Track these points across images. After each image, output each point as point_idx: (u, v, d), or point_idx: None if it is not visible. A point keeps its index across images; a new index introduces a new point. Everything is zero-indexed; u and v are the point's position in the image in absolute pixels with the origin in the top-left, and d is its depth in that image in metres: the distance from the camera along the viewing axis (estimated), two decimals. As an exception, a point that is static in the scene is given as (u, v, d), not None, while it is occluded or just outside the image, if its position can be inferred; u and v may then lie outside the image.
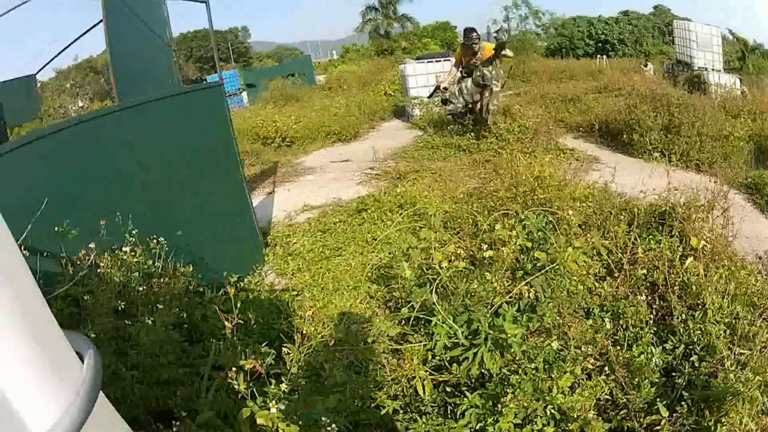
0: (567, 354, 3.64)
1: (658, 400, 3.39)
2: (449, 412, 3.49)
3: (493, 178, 6.41)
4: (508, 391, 3.25)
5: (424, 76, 12.62)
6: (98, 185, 4.01)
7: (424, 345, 3.74)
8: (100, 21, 5.36)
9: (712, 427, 3.12)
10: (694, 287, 4.28)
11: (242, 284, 4.95)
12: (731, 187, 6.94)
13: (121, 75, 5.32)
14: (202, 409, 2.68)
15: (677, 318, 4.09)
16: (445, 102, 10.13)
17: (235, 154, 5.38)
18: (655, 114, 9.18)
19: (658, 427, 3.24)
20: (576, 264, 4.13)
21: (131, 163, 4.31)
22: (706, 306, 4.04)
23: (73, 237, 3.30)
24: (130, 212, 3.78)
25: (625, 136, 9.47)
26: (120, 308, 3.21)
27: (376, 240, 5.66)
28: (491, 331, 3.50)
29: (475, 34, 9.70)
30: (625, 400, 3.49)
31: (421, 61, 13.44)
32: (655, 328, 4.15)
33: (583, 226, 5.11)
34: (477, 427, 3.28)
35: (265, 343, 3.64)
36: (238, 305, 3.30)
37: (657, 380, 3.59)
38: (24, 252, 2.76)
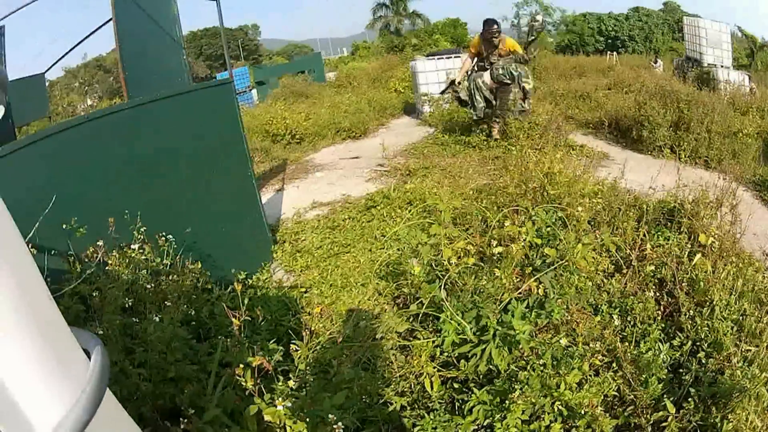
0: (575, 350, 3.65)
1: (665, 396, 3.39)
2: (457, 408, 3.50)
3: (503, 175, 6.39)
4: (516, 387, 3.26)
5: (435, 73, 12.56)
6: (107, 183, 4.04)
7: (432, 342, 3.75)
8: (110, 19, 5.39)
9: (719, 424, 3.11)
10: (702, 284, 4.27)
11: (250, 281, 4.96)
12: (740, 184, 6.92)
13: (130, 73, 5.34)
14: (210, 406, 2.70)
15: (685, 314, 4.09)
16: (461, 102, 9.61)
17: (245, 152, 5.39)
18: (665, 111, 9.13)
19: (665, 424, 3.23)
20: (585, 260, 4.13)
21: (141, 161, 4.34)
22: (714, 303, 4.04)
23: (82, 235, 3.34)
24: (138, 210, 3.81)
25: (634, 132, 9.44)
26: (128, 305, 3.24)
27: (385, 237, 5.67)
28: (500, 328, 3.51)
29: (496, 26, 9.02)
30: (632, 396, 3.49)
31: (431, 57, 13.39)
32: (663, 325, 4.16)
33: (593, 223, 5.10)
34: (484, 424, 3.29)
35: (273, 340, 3.65)
36: (246, 302, 3.32)
37: (664, 377, 3.59)
38: (32, 250, 2.79)
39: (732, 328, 3.84)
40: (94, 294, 3.16)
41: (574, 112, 11.55)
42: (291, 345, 3.25)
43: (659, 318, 4.21)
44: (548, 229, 4.53)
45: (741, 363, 3.43)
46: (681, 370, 3.70)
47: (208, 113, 5.00)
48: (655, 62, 19.87)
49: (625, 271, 4.59)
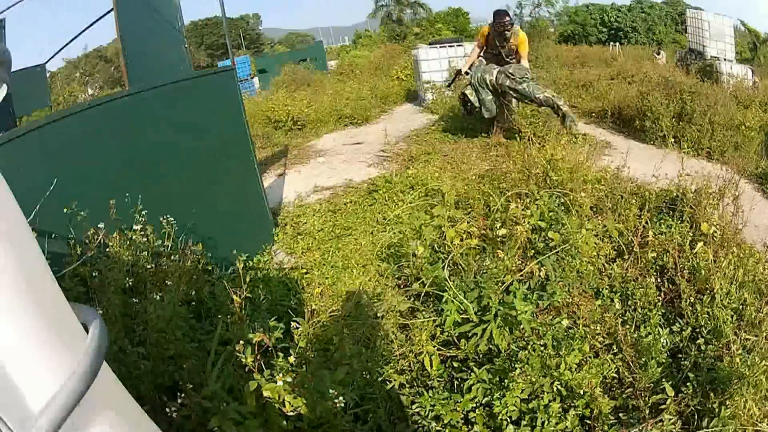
0: (576, 332, 3.66)
1: (664, 380, 3.41)
2: (456, 387, 3.52)
3: (506, 161, 6.39)
4: (516, 366, 3.27)
5: (437, 61, 12.52)
6: (108, 169, 4.07)
7: (433, 321, 3.77)
8: (111, 9, 5.40)
9: (717, 410, 3.12)
10: (703, 272, 4.27)
11: (251, 263, 4.97)
12: (742, 176, 6.91)
13: (131, 62, 5.38)
14: (209, 382, 2.70)
15: (685, 301, 4.10)
16: (467, 109, 8.80)
17: (247, 137, 5.41)
18: (668, 101, 9.10)
19: (663, 406, 3.25)
20: (588, 245, 4.14)
21: (142, 147, 4.38)
22: (715, 291, 4.05)
23: (83, 219, 3.33)
24: (140, 194, 3.81)
25: (637, 122, 9.41)
26: (128, 286, 3.25)
27: (386, 220, 5.68)
28: (501, 308, 3.52)
29: (508, 18, 8.31)
30: (631, 379, 3.51)
31: (434, 46, 13.35)
32: (663, 311, 4.17)
33: (595, 209, 5.11)
34: (483, 402, 3.31)
35: (273, 319, 3.67)
36: (247, 281, 3.33)
37: (664, 361, 3.61)
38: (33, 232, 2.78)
39: (732, 316, 3.84)
40: (94, 275, 3.18)
41: (577, 101, 11.50)
42: (292, 323, 3.26)
43: (660, 304, 4.21)
44: (551, 214, 4.53)
45: (740, 351, 3.43)
46: (680, 356, 3.72)
47: (211, 100, 5.03)
48: (658, 53, 19.81)
49: (626, 257, 4.59)
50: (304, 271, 5.00)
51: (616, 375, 3.57)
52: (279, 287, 4.50)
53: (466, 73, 8.85)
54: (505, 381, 3.24)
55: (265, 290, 4.18)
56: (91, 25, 7.00)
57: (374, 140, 9.52)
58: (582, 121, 10.27)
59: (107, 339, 0.77)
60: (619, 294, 4.23)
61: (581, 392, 3.23)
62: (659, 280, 4.45)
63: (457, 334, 3.65)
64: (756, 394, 3.19)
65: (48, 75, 9.03)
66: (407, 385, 3.52)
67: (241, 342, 2.52)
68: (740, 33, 24.80)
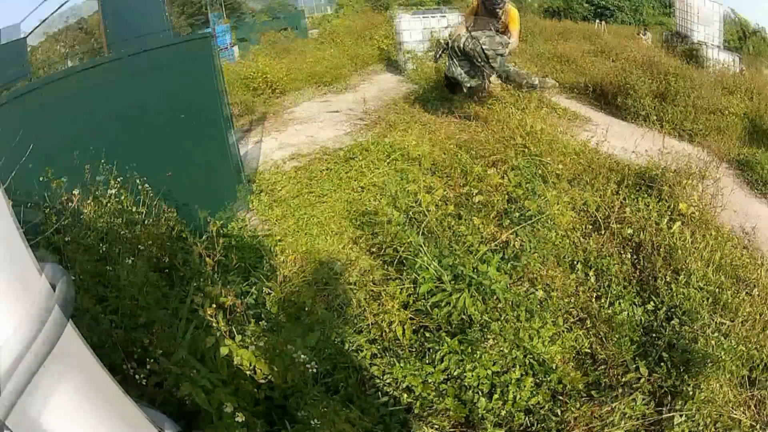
0: (549, 305, 3.62)
1: (637, 358, 3.40)
2: (427, 357, 3.47)
3: (485, 130, 6.31)
4: (489, 337, 3.23)
5: (419, 31, 12.38)
6: (86, 134, 4.02)
7: (406, 290, 3.70)
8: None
9: (691, 393, 3.11)
10: (680, 252, 4.26)
11: (225, 230, 4.88)
12: (723, 161, 6.91)
13: (112, 30, 5.32)
14: (179, 348, 2.62)
15: (661, 280, 4.09)
16: (451, 86, 8.20)
17: (223, 103, 5.38)
18: (651, 81, 9.06)
19: (636, 384, 3.23)
20: (563, 216, 4.09)
21: (120, 113, 4.34)
22: (691, 272, 4.04)
23: (59, 186, 3.28)
24: (116, 159, 3.76)
25: (618, 99, 9.34)
26: (101, 251, 3.15)
27: (362, 187, 5.61)
28: (475, 277, 3.47)
29: None
30: (604, 355, 3.48)
31: (416, 15, 13.15)
32: (638, 288, 4.15)
33: (572, 182, 5.06)
34: (455, 374, 3.27)
35: (246, 284, 3.59)
36: (221, 244, 3.24)
37: (637, 339, 3.60)
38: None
39: (708, 299, 3.83)
40: (67, 239, 3.08)
41: (558, 76, 11.33)
42: (264, 288, 3.19)
43: (635, 281, 4.20)
44: (528, 184, 4.48)
45: (716, 334, 3.40)
46: (654, 335, 3.69)
47: (188, 66, 4.98)
48: (644, 34, 19.73)
49: (602, 231, 4.56)
50: (278, 237, 4.93)
51: (588, 350, 3.55)
52: (252, 254, 4.45)
53: (446, 45, 8.21)
54: (477, 352, 3.20)
55: (239, 256, 4.10)
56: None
57: (352, 107, 9.40)
58: (563, 95, 10.20)
59: (73, 295, 0.73)
60: (594, 269, 4.19)
61: (553, 366, 3.20)
62: (635, 257, 4.43)
63: (430, 304, 3.59)
64: (732, 380, 3.18)
65: (29, 49, 8.94)
66: (379, 355, 3.47)
67: (213, 306, 2.44)
68: (730, 21, 24.80)
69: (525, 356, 3.23)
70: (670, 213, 4.74)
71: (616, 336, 3.53)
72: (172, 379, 2.42)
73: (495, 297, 3.47)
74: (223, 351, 2.41)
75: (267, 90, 11.16)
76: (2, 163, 3.04)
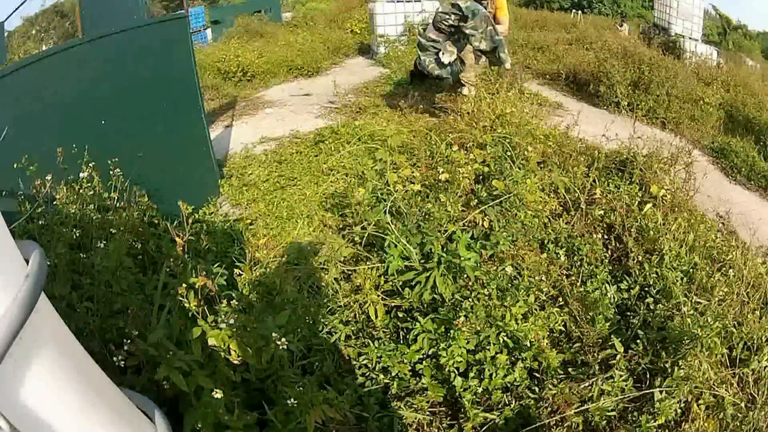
0: (520, 282, 3.61)
1: (612, 336, 3.41)
2: (402, 338, 3.48)
3: (454, 114, 6.27)
4: (461, 314, 3.21)
5: (393, 15, 12.33)
6: (58, 118, 3.95)
7: (377, 270, 3.68)
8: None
9: (669, 370, 3.12)
10: (651, 232, 4.30)
11: (196, 216, 4.83)
12: (696, 147, 6.99)
13: (87, 13, 5.20)
14: (155, 330, 2.57)
15: (633, 260, 4.12)
16: (417, 74, 7.55)
17: (196, 87, 5.29)
18: (625, 69, 9.11)
19: (613, 361, 3.24)
20: (532, 195, 4.09)
21: (92, 96, 4.25)
22: (663, 252, 4.06)
23: (32, 173, 3.20)
24: (87, 143, 3.67)
25: (592, 87, 9.38)
26: (75, 237, 3.10)
27: (331, 169, 5.59)
28: (445, 255, 3.45)
29: None
30: (579, 333, 3.50)
31: (391, 0, 13.09)
32: (611, 268, 4.17)
33: (542, 165, 5.06)
34: (429, 353, 3.27)
35: (217, 265, 3.54)
36: (191, 227, 3.19)
37: (611, 317, 3.61)
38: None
39: (682, 278, 3.86)
40: (42, 222, 3.05)
41: (532, 62, 11.42)
42: (235, 270, 3.17)
43: (606, 261, 4.22)
44: (496, 165, 4.47)
45: (692, 312, 3.43)
46: (629, 314, 3.73)
47: (161, 47, 4.89)
48: (621, 25, 19.77)
49: (573, 212, 4.57)
50: (249, 222, 4.91)
51: (563, 329, 3.57)
52: (223, 238, 4.43)
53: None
54: (451, 331, 3.20)
55: (210, 241, 4.06)
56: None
57: (324, 92, 9.33)
58: (535, 82, 10.24)
59: (45, 266, 0.76)
60: (564, 249, 4.20)
61: (528, 344, 3.20)
62: (606, 237, 4.45)
63: (401, 284, 3.58)
64: (711, 356, 3.20)
65: (5, 34, 8.83)
66: (353, 337, 3.47)
67: (184, 285, 2.38)
68: (710, 17, 25.02)
69: (498, 334, 3.21)
70: (640, 196, 4.76)
71: (590, 314, 3.54)
72: (149, 362, 2.38)
73: (465, 276, 3.45)
74: (196, 332, 2.36)
75: (238, 74, 11.06)
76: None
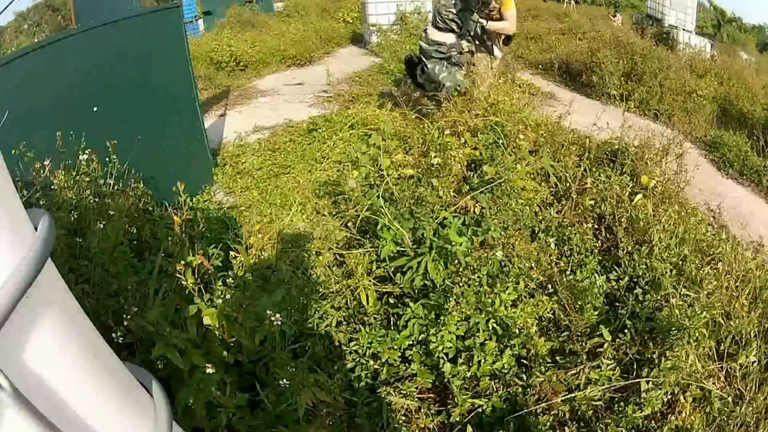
0: (511, 269, 3.64)
1: (601, 326, 3.43)
2: (392, 324, 3.52)
3: (445, 101, 6.28)
4: (451, 299, 3.24)
5: (385, 4, 12.32)
6: (52, 109, 3.95)
7: (369, 255, 3.70)
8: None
9: (657, 360, 3.14)
10: (641, 223, 4.29)
11: (191, 203, 4.86)
12: (688, 139, 7.00)
13: (80, 3, 5.20)
14: (152, 309, 2.60)
15: (623, 250, 4.13)
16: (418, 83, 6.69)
17: (190, 76, 5.35)
18: (618, 60, 9.11)
19: (600, 350, 3.27)
20: (523, 181, 4.11)
21: (88, 86, 4.27)
22: (653, 243, 4.06)
23: (30, 160, 3.21)
24: (83, 132, 3.67)
25: (584, 77, 9.40)
26: (72, 221, 3.12)
27: (324, 156, 5.64)
28: (436, 240, 3.48)
29: None
30: (567, 322, 3.51)
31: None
32: (600, 258, 4.19)
33: (534, 154, 5.07)
34: (420, 339, 3.29)
35: (212, 246, 3.59)
36: (187, 211, 3.22)
37: (600, 306, 3.63)
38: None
39: (671, 270, 3.86)
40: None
41: (524, 52, 11.44)
42: (231, 253, 3.19)
43: (596, 251, 4.23)
44: (488, 151, 4.49)
45: (680, 303, 3.42)
46: (617, 304, 3.74)
47: (155, 38, 4.95)
48: (614, 15, 19.74)
49: (564, 202, 4.59)
50: (243, 209, 4.97)
51: (552, 317, 3.59)
52: (217, 225, 4.48)
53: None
54: (441, 317, 3.23)
55: (204, 228, 4.08)
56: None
57: (316, 81, 9.36)
58: (528, 71, 10.26)
59: (54, 231, 0.76)
60: (555, 237, 4.22)
61: (517, 331, 3.22)
62: (596, 227, 4.47)
63: (393, 269, 3.60)
64: (698, 348, 3.21)
65: None
66: (344, 322, 3.50)
67: (181, 262, 2.41)
68: (705, 9, 24.94)
69: (488, 321, 3.24)
70: (631, 186, 4.78)
71: (579, 303, 3.56)
72: (143, 344, 2.42)
73: (456, 261, 3.48)
74: (192, 309, 2.39)
75: (231, 63, 11.06)
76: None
